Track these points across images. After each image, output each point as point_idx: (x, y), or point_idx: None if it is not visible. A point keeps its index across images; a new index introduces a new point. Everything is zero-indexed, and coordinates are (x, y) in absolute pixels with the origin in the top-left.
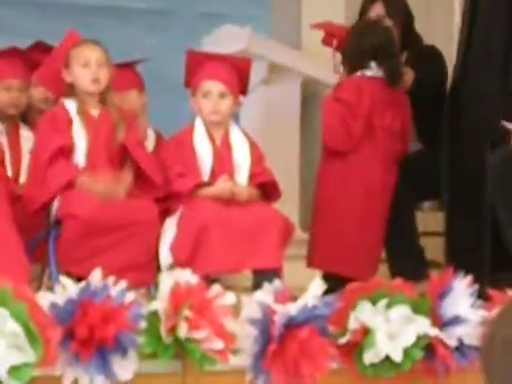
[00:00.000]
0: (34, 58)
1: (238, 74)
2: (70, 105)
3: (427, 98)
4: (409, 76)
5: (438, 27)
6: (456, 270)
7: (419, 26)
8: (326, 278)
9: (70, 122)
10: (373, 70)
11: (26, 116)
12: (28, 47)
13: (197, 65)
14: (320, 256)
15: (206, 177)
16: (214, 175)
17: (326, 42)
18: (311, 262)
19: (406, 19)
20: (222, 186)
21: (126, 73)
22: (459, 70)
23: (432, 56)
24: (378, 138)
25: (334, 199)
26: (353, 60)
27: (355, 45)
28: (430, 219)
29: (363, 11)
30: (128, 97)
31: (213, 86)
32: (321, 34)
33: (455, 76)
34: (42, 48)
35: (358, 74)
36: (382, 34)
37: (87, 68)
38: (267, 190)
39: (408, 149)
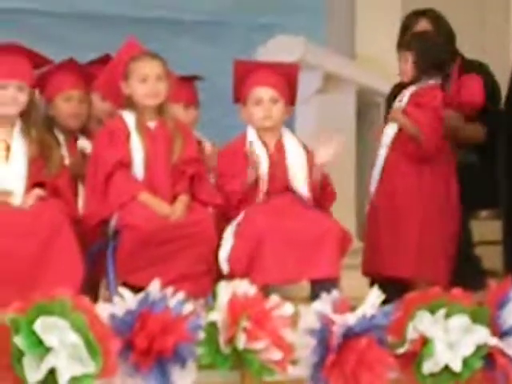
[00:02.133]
0: (94, 70)
1: (286, 80)
2: (128, 117)
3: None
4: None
5: (493, 36)
6: None
7: (474, 35)
8: (383, 287)
9: (127, 134)
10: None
11: (87, 128)
12: (91, 60)
13: (245, 74)
14: (376, 261)
15: (262, 184)
16: (270, 183)
17: None
18: (366, 269)
19: (450, 36)
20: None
21: (183, 87)
22: None
23: (477, 71)
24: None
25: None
26: (433, 67)
27: (439, 53)
28: (487, 228)
29: (406, 27)
30: (180, 110)
31: (264, 93)
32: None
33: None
34: (103, 61)
35: (432, 81)
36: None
37: (146, 83)
38: (323, 193)
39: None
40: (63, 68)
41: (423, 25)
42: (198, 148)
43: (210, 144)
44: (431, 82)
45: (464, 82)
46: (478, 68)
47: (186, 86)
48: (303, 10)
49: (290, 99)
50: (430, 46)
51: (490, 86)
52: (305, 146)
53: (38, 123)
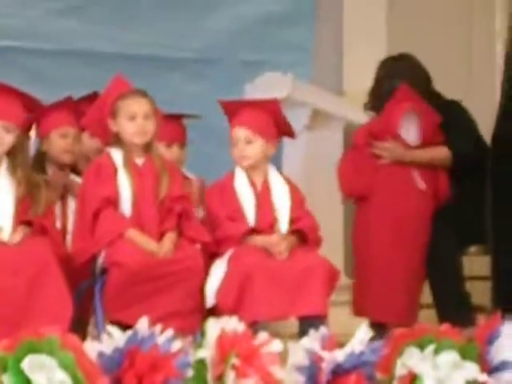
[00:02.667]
0: (82, 108)
1: (266, 117)
2: (116, 154)
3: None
4: None
5: (480, 74)
6: (504, 314)
7: (461, 76)
8: (371, 324)
9: (115, 171)
10: None
11: (76, 165)
12: (79, 98)
13: (228, 114)
14: (362, 304)
15: (251, 222)
16: (258, 220)
17: None
18: (356, 311)
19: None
20: (271, 240)
21: (167, 125)
22: (502, 116)
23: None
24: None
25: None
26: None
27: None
28: (475, 263)
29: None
30: (162, 148)
31: (239, 133)
32: (362, 78)
33: (498, 123)
34: (91, 98)
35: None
36: None
37: (133, 121)
38: (307, 236)
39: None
40: (61, 105)
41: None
42: (185, 184)
43: (196, 179)
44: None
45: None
46: (452, 106)
47: (170, 124)
48: (291, 48)
49: (273, 135)
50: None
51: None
52: (290, 183)
53: (25, 163)
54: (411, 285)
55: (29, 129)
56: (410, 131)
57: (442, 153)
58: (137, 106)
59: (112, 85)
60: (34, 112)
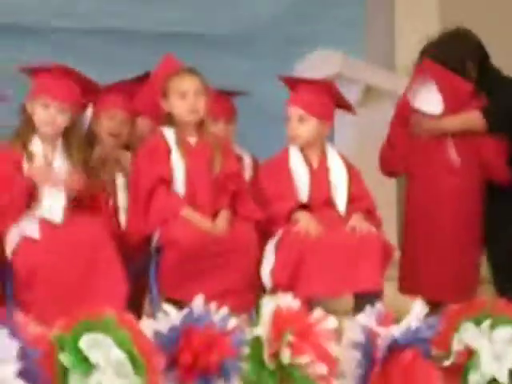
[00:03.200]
0: (135, 88)
1: (323, 97)
2: (169, 134)
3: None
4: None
5: None
6: None
7: None
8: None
9: (168, 151)
10: None
11: (129, 147)
12: (131, 79)
13: (288, 88)
14: (410, 283)
15: (304, 199)
16: (312, 197)
17: None
18: (402, 289)
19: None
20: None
21: (222, 102)
22: None
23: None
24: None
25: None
26: None
27: None
28: None
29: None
30: (216, 125)
31: (293, 111)
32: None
33: None
34: (143, 78)
35: None
36: None
37: (185, 99)
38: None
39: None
40: (113, 87)
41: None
42: (238, 163)
43: (249, 158)
44: None
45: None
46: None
47: (215, 100)
48: (342, 23)
49: (328, 115)
50: None
51: None
52: (347, 162)
53: (80, 146)
54: (463, 262)
55: (83, 110)
56: (431, 102)
57: (473, 116)
58: (187, 84)
59: (162, 64)
60: (89, 94)
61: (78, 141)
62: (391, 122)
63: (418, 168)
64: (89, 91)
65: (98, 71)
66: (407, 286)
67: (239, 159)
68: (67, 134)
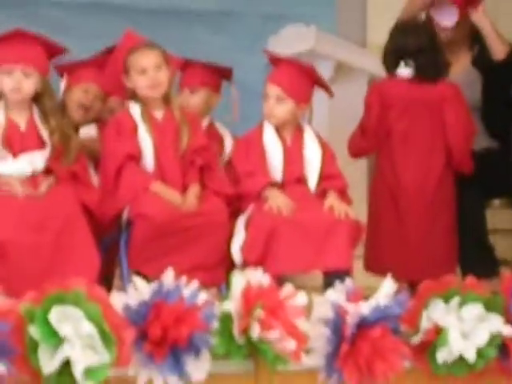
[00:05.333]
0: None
1: (302, 79)
2: (135, 109)
3: (496, 92)
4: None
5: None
6: None
7: None
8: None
9: (135, 127)
10: (404, 70)
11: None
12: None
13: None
14: (376, 261)
15: (277, 176)
16: (285, 174)
17: None
18: (368, 267)
19: None
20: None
21: (192, 71)
22: None
23: None
24: (402, 140)
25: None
26: (385, 60)
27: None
28: (500, 217)
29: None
30: (193, 95)
31: (272, 90)
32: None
33: None
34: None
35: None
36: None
37: (145, 75)
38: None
39: (464, 145)
40: (89, 62)
41: None
42: (218, 140)
43: (230, 137)
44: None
45: None
46: None
47: (190, 69)
48: (314, 1)
49: (305, 98)
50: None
51: None
52: (322, 141)
53: (55, 111)
54: (429, 242)
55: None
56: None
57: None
58: (146, 60)
59: (122, 40)
60: (56, 57)
61: (52, 107)
62: (366, 109)
63: (383, 153)
64: (53, 54)
65: (76, 45)
66: (371, 265)
67: (220, 139)
68: (41, 101)
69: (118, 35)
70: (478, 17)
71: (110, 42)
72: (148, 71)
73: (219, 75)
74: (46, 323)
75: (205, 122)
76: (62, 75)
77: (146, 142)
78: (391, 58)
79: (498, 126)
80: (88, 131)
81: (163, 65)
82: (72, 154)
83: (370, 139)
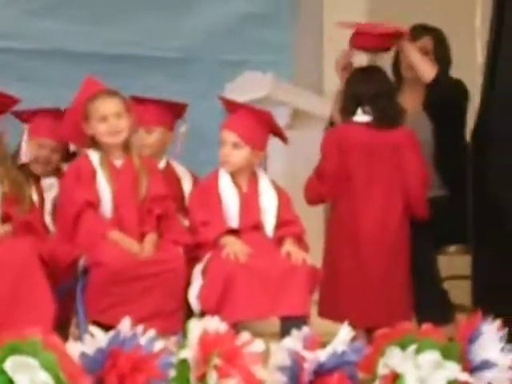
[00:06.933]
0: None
1: (258, 126)
2: (94, 156)
3: (448, 139)
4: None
5: (460, 68)
6: (484, 313)
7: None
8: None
9: (93, 174)
10: (362, 117)
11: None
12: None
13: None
14: (332, 307)
15: (233, 223)
16: (241, 221)
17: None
18: (322, 313)
19: (447, 62)
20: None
21: (153, 110)
22: (482, 111)
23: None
24: (363, 185)
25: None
26: (342, 107)
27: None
28: (455, 263)
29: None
30: (149, 134)
31: (228, 136)
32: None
33: (478, 118)
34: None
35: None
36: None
37: (105, 122)
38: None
39: (421, 190)
40: (44, 114)
41: (425, 42)
42: (177, 182)
43: (189, 177)
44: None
45: None
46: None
47: (146, 109)
48: (271, 47)
49: (261, 145)
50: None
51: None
52: (277, 187)
53: (6, 161)
54: (384, 289)
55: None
56: None
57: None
58: (107, 107)
59: (82, 87)
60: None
61: (3, 158)
62: (324, 155)
63: (342, 198)
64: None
65: (41, 92)
66: (327, 311)
67: (178, 180)
68: None
69: (77, 82)
70: (403, 46)
71: (69, 89)
72: (108, 119)
73: (173, 113)
74: (2, 373)
75: (162, 163)
76: (23, 121)
77: (104, 190)
78: (349, 104)
79: (451, 174)
80: (50, 182)
81: (123, 112)
82: (26, 203)
83: (328, 185)
